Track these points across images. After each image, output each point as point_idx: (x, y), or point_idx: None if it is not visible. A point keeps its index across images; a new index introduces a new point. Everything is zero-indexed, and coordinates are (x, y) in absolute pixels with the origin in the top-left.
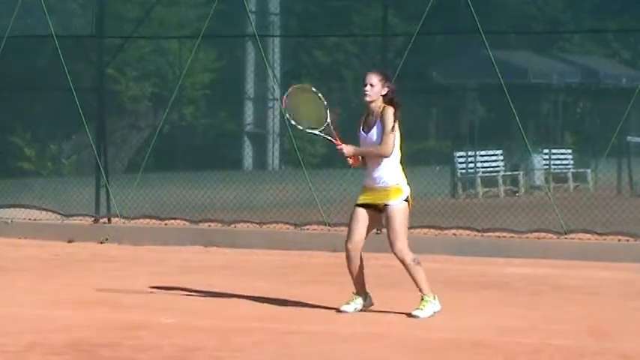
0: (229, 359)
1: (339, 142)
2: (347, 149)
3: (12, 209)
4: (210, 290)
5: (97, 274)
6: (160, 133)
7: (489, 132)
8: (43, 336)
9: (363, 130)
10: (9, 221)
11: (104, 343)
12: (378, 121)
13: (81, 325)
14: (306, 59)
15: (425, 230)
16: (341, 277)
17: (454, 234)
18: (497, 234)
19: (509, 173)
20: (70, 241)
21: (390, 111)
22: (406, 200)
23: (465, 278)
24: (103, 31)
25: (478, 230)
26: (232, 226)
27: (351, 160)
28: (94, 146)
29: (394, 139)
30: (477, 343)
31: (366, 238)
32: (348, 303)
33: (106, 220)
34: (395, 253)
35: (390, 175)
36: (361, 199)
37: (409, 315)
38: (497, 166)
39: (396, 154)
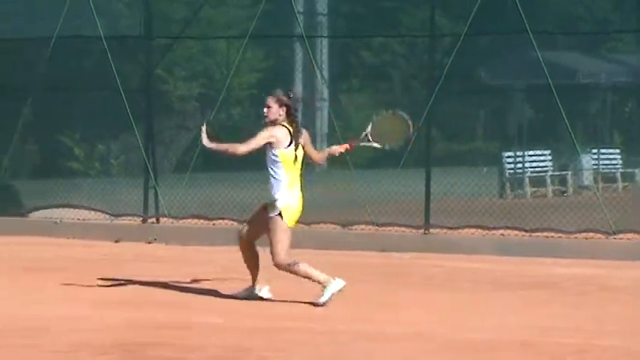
0: (274, 359)
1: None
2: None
3: (61, 209)
4: None
5: (143, 274)
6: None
7: (537, 132)
8: (90, 336)
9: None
10: (58, 221)
11: (150, 343)
12: None
13: (127, 325)
14: (353, 60)
15: (472, 230)
16: (386, 277)
17: (502, 234)
18: (545, 234)
19: (558, 173)
20: (117, 241)
21: (269, 129)
22: (280, 215)
23: (513, 278)
24: (151, 32)
25: (526, 230)
26: None
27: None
28: (142, 146)
29: (254, 144)
30: (521, 343)
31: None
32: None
33: (154, 220)
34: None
35: (274, 189)
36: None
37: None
38: (546, 166)
39: (283, 174)
